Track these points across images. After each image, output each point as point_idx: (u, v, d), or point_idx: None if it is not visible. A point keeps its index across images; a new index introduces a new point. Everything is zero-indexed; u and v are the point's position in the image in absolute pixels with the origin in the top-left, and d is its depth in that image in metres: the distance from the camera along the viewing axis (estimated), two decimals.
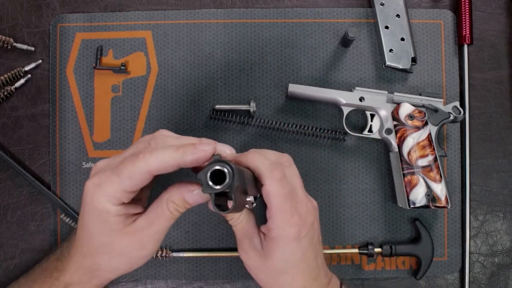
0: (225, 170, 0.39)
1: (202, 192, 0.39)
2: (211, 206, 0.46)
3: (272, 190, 0.44)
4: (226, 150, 0.45)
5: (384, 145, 0.61)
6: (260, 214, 0.52)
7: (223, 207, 0.42)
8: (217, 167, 0.39)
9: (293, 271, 0.46)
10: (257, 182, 0.46)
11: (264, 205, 0.46)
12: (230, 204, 0.43)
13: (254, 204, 0.47)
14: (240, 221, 0.48)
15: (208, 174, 0.39)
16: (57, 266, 0.46)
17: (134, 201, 0.43)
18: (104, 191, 0.40)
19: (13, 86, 0.62)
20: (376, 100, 0.58)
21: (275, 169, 0.44)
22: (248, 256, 0.47)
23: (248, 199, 0.46)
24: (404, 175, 0.57)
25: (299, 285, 0.46)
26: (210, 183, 0.39)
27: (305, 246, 0.45)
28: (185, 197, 0.42)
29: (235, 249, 0.60)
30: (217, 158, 0.40)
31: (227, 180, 0.38)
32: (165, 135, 0.44)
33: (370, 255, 0.59)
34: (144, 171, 0.39)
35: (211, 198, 0.41)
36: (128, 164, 0.40)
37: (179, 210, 0.42)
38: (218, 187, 0.38)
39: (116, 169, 0.40)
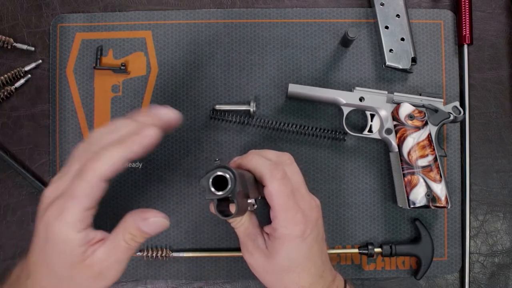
0: (227, 176, 0.39)
1: (205, 198, 0.39)
2: (214, 211, 0.46)
3: (274, 190, 0.44)
4: (170, 114, 0.42)
5: (384, 145, 0.61)
6: (262, 215, 0.53)
7: (225, 212, 0.42)
8: (219, 173, 0.39)
9: (299, 269, 0.46)
10: (259, 184, 0.47)
11: (266, 206, 0.46)
12: (232, 208, 0.43)
13: (255, 206, 0.47)
14: (242, 223, 0.48)
15: (210, 180, 0.39)
16: None
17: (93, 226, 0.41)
18: (66, 219, 0.37)
19: (13, 86, 0.62)
20: (376, 100, 0.58)
21: (275, 169, 0.44)
22: (253, 257, 0.47)
23: (249, 201, 0.46)
24: (404, 175, 0.57)
25: (306, 283, 0.46)
26: (213, 189, 0.39)
27: (310, 243, 0.46)
28: (140, 227, 0.39)
29: (235, 249, 0.61)
30: (218, 164, 0.40)
31: (229, 185, 0.38)
32: (99, 136, 0.41)
33: (370, 255, 0.59)
34: (96, 181, 0.38)
35: (214, 204, 0.41)
36: (79, 181, 0.38)
37: (136, 241, 0.40)
38: (220, 193, 0.38)
39: (69, 192, 0.38)
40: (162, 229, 0.41)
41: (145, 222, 0.40)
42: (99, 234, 0.40)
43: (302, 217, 0.45)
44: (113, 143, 0.39)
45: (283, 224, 0.44)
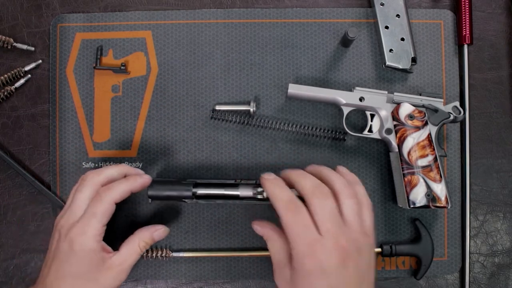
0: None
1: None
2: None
3: (287, 221, 0.45)
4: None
5: (384, 145, 0.61)
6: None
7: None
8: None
9: None
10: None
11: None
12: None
13: (261, 196, 0.51)
14: (274, 246, 0.49)
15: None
16: None
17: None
18: (89, 234, 0.49)
19: (13, 86, 0.62)
20: (376, 100, 0.58)
21: (291, 203, 0.46)
22: (278, 285, 0.48)
23: (259, 190, 0.52)
24: (404, 175, 0.57)
25: None
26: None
27: (334, 282, 0.43)
28: (153, 236, 0.55)
29: (235, 249, 0.61)
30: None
31: None
32: (95, 175, 0.53)
33: None
34: (111, 203, 0.51)
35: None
36: (97, 203, 0.50)
37: (146, 247, 0.54)
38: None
39: (90, 212, 0.50)
40: (165, 236, 0.56)
41: (157, 232, 0.55)
42: (108, 248, 0.52)
43: (322, 250, 0.44)
44: (121, 180, 0.53)
45: (298, 257, 0.44)
